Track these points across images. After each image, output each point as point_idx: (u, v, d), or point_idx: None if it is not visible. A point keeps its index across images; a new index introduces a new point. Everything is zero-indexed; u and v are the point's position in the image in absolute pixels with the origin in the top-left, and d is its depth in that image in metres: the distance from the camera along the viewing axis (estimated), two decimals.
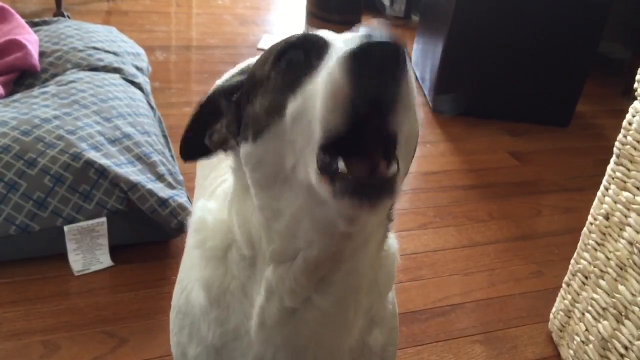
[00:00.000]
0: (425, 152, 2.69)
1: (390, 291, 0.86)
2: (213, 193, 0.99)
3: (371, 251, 0.72)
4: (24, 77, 2.17)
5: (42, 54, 2.28)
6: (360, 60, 0.51)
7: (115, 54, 2.44)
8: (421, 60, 3.41)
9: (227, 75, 1.35)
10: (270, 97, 0.63)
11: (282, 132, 0.60)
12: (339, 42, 0.61)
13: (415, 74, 3.42)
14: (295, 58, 0.63)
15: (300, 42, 0.65)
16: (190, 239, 0.83)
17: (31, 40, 2.27)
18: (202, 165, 1.24)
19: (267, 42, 3.70)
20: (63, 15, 3.28)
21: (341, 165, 0.53)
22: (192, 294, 0.83)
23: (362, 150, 0.55)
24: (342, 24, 4.28)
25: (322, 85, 0.54)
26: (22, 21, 2.43)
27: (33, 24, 2.56)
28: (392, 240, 0.82)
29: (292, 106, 0.59)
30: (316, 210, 0.61)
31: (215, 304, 0.78)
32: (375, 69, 0.51)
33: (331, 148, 0.54)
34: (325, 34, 0.66)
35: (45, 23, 2.64)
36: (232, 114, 0.74)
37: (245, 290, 0.75)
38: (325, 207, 0.58)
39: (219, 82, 1.42)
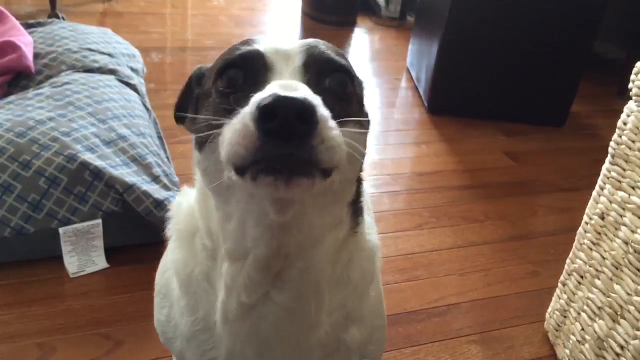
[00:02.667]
0: (420, 152, 2.69)
1: (373, 290, 0.88)
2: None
3: (327, 248, 0.74)
4: (18, 79, 2.17)
5: (36, 56, 2.27)
6: (267, 118, 0.53)
7: (110, 55, 2.43)
8: (416, 60, 3.42)
9: None
10: (210, 114, 0.67)
11: (217, 148, 0.63)
12: (272, 83, 0.62)
13: (411, 75, 3.44)
14: (234, 78, 0.67)
15: (240, 60, 0.68)
16: (169, 225, 0.88)
17: (25, 41, 2.26)
18: None
19: None
20: (57, 17, 3.26)
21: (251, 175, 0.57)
22: (169, 277, 0.88)
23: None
24: (338, 25, 4.28)
25: (236, 126, 0.57)
26: (17, 23, 2.42)
27: (27, 26, 2.55)
28: (372, 237, 0.86)
29: (225, 128, 0.61)
30: (254, 209, 0.66)
31: (184, 289, 0.82)
32: (282, 130, 0.53)
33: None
34: (268, 49, 0.69)
35: (40, 24, 2.63)
36: (193, 109, 0.79)
37: (209, 280, 0.79)
38: (260, 202, 0.63)
39: None
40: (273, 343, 0.77)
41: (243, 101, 0.60)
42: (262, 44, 0.69)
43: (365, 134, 0.72)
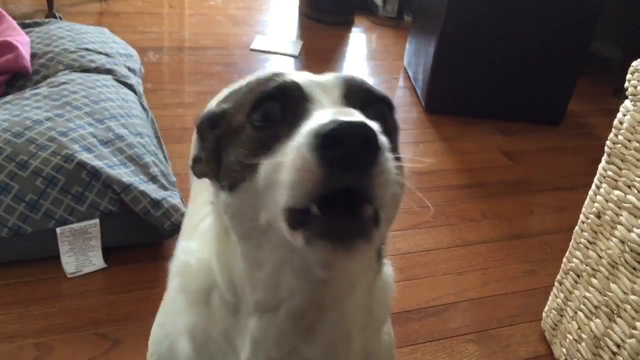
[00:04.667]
0: (418, 151, 2.69)
1: (387, 327, 0.84)
2: (195, 230, 0.93)
3: (358, 297, 0.69)
4: (15, 79, 2.17)
5: (33, 56, 2.27)
6: (329, 148, 0.48)
7: (107, 55, 2.43)
8: (414, 60, 3.42)
9: (214, 101, 1.33)
10: (245, 151, 0.61)
11: (255, 189, 0.58)
12: (317, 112, 0.57)
13: (408, 74, 3.44)
14: (271, 111, 0.61)
15: (277, 92, 0.62)
16: (173, 282, 0.80)
17: (22, 41, 2.26)
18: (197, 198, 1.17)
19: (260, 43, 3.70)
20: (55, 17, 3.27)
21: (314, 210, 0.51)
22: (179, 344, 0.79)
23: (341, 202, 0.52)
24: (335, 24, 4.28)
25: (289, 161, 0.52)
26: (14, 22, 2.42)
27: (24, 26, 2.55)
28: (387, 268, 0.80)
29: (264, 168, 0.57)
30: (295, 259, 0.60)
31: (200, 354, 0.75)
32: (346, 159, 0.49)
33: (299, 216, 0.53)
34: (304, 80, 0.63)
35: (37, 24, 2.63)
36: (212, 150, 0.70)
37: (229, 339, 0.72)
38: (303, 255, 0.56)
39: (210, 104, 1.40)
40: None
41: (283, 136, 0.56)
42: (295, 76, 0.64)
43: (403, 180, 0.65)
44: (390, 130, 0.65)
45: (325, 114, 0.53)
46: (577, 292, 1.52)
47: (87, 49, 2.38)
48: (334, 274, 0.60)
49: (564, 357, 1.57)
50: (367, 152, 0.49)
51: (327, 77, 0.65)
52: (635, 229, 1.27)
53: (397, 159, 0.63)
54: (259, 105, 0.62)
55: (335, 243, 0.51)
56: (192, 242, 0.82)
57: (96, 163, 1.70)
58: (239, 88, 0.74)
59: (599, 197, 1.42)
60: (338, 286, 0.64)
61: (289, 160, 0.52)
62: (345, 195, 0.50)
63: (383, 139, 0.51)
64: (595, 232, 1.44)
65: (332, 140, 0.48)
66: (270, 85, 0.63)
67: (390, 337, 0.87)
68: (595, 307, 1.43)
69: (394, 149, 0.63)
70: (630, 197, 1.30)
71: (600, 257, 1.41)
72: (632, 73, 1.32)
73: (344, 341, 0.70)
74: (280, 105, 0.61)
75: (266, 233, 0.60)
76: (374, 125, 0.50)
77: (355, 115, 0.52)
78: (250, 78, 0.71)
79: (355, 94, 0.63)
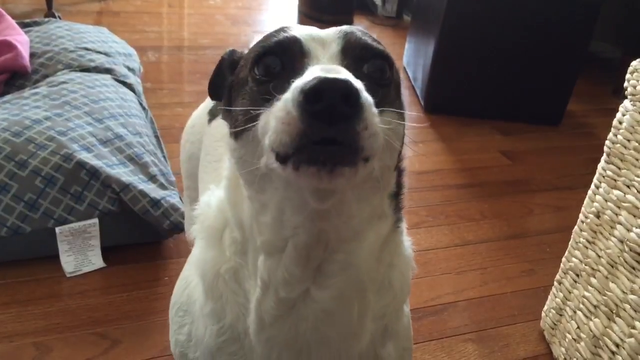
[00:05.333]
0: (417, 151, 2.69)
1: (406, 305, 0.85)
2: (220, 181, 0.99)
3: (370, 245, 0.70)
4: (14, 78, 2.17)
5: (32, 55, 2.27)
6: (312, 102, 0.52)
7: (106, 54, 2.43)
8: (413, 60, 3.42)
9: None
10: (247, 102, 0.65)
11: (255, 137, 0.62)
12: (311, 67, 0.60)
13: (407, 74, 3.44)
14: (272, 65, 0.65)
15: (277, 47, 0.66)
16: (195, 226, 0.83)
17: (22, 41, 2.26)
18: (204, 178, 1.22)
19: None
20: (54, 16, 3.27)
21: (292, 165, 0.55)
22: (193, 287, 0.83)
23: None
24: (334, 24, 4.27)
25: (276, 112, 0.56)
26: (13, 22, 2.42)
27: (24, 25, 2.55)
28: (408, 244, 0.82)
29: (262, 118, 0.60)
30: (294, 197, 0.63)
31: (210, 292, 0.77)
32: (327, 113, 0.52)
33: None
34: (304, 35, 0.67)
35: (36, 24, 2.63)
36: (226, 97, 0.76)
37: (238, 279, 0.75)
38: (299, 191, 0.61)
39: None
40: (313, 349, 0.72)
41: (281, 88, 0.59)
42: (298, 31, 0.67)
43: (403, 124, 0.70)
44: (389, 83, 0.68)
45: (313, 71, 0.56)
46: (576, 292, 1.52)
47: (86, 49, 2.38)
48: (327, 205, 0.61)
49: (563, 357, 1.57)
50: (347, 107, 0.52)
51: (328, 32, 0.68)
52: (634, 229, 1.27)
53: (401, 113, 0.68)
54: (260, 59, 0.66)
55: (320, 167, 0.54)
56: (219, 189, 0.85)
57: (95, 162, 1.70)
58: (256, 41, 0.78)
59: (598, 197, 1.43)
60: (338, 222, 0.65)
61: (276, 112, 0.56)
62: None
63: (366, 96, 0.54)
64: (595, 232, 1.44)
65: (313, 95, 0.51)
66: (271, 40, 0.67)
67: (409, 323, 0.89)
68: (595, 306, 1.43)
69: (393, 102, 0.68)
70: (629, 197, 1.30)
71: (599, 256, 1.41)
72: (632, 73, 1.32)
73: (355, 289, 0.70)
74: (280, 59, 0.65)
75: (267, 176, 0.63)
76: (357, 83, 0.53)
77: (341, 73, 0.55)
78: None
79: (353, 49, 0.66)
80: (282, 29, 0.69)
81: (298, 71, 0.61)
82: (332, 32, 0.68)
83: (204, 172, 1.20)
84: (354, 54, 0.66)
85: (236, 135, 0.67)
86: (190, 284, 0.85)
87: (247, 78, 0.68)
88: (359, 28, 0.71)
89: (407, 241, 0.83)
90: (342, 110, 0.52)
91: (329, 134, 0.52)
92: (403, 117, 0.70)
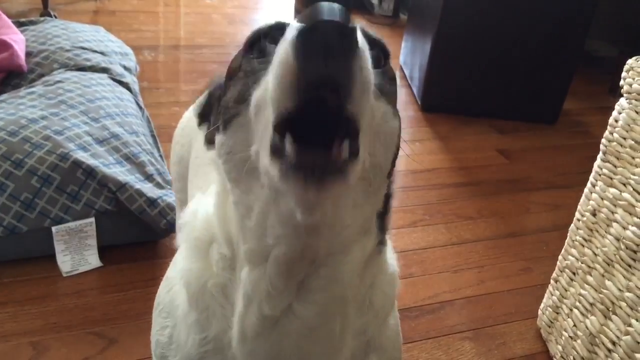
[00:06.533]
0: (414, 150, 2.70)
1: (392, 318, 0.83)
2: (209, 190, 0.94)
3: (354, 260, 0.68)
4: (10, 78, 2.16)
5: (28, 54, 2.27)
6: (307, 38, 0.49)
7: (102, 53, 2.43)
8: (410, 58, 3.42)
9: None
10: (239, 86, 0.63)
11: (247, 120, 0.60)
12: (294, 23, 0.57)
13: (404, 72, 3.44)
14: (265, 46, 0.63)
15: (270, 29, 0.64)
16: (181, 234, 0.81)
17: (17, 40, 2.25)
18: (194, 182, 1.19)
19: None
20: (50, 15, 3.26)
21: (289, 146, 0.51)
22: (176, 292, 0.81)
23: (320, 137, 0.52)
24: None
25: (272, 66, 0.53)
26: (9, 21, 2.41)
27: (19, 24, 2.54)
28: (392, 262, 0.79)
29: (255, 94, 0.58)
30: (280, 202, 0.59)
31: (194, 303, 0.75)
32: (322, 47, 0.49)
33: (285, 130, 0.52)
34: (300, 19, 0.64)
35: (32, 23, 2.62)
36: (215, 109, 0.74)
37: (226, 294, 0.72)
38: (286, 197, 0.56)
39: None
40: None
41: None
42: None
43: (398, 119, 0.67)
44: (385, 72, 0.65)
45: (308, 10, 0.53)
46: (572, 290, 1.52)
47: (82, 48, 2.38)
48: (315, 218, 0.56)
49: (559, 355, 1.57)
50: (343, 41, 0.49)
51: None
52: (630, 227, 1.28)
53: (396, 109, 0.65)
54: (254, 43, 0.64)
55: (307, 177, 0.51)
56: (206, 196, 0.82)
57: (92, 162, 1.70)
58: None
59: (594, 195, 1.43)
60: (325, 237, 0.62)
61: (272, 66, 0.53)
62: (322, 128, 0.51)
63: (362, 38, 0.51)
64: (591, 230, 1.44)
65: (308, 31, 0.49)
66: (265, 25, 0.65)
67: (397, 336, 0.86)
68: (591, 304, 1.43)
69: (388, 94, 0.64)
70: (625, 195, 1.31)
71: (595, 254, 1.42)
72: (627, 71, 1.32)
73: (338, 305, 0.68)
74: (274, 42, 0.60)
75: (255, 171, 0.60)
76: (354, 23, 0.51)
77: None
78: None
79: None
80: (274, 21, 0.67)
81: None
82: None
83: (194, 176, 1.18)
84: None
85: (225, 124, 0.64)
86: (173, 287, 0.83)
87: (239, 65, 0.65)
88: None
89: (392, 259, 0.80)
90: (338, 43, 0.49)
91: (325, 71, 0.49)
92: (398, 114, 0.67)
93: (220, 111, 0.68)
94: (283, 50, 0.51)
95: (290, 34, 0.51)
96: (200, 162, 1.14)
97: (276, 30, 0.62)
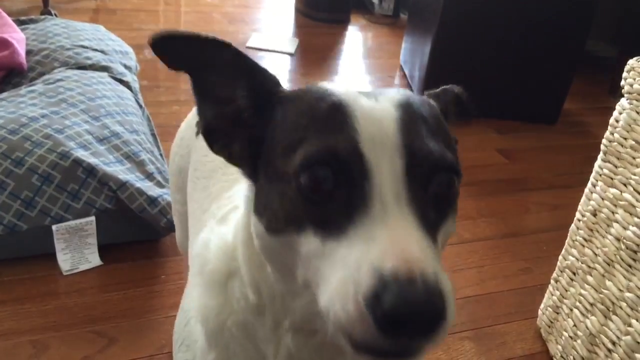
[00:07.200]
0: None
1: None
2: (224, 219, 0.84)
3: None
4: (10, 76, 2.16)
5: (29, 53, 2.27)
6: (390, 321, 0.46)
7: (103, 52, 2.42)
8: (410, 58, 3.42)
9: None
10: (289, 207, 0.56)
11: (296, 251, 0.56)
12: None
13: (404, 72, 3.43)
14: (322, 177, 0.54)
15: (333, 161, 0.54)
16: (194, 266, 0.77)
17: (18, 38, 2.25)
18: (193, 196, 1.12)
19: (256, 40, 3.70)
20: (50, 14, 3.25)
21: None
22: (193, 324, 0.77)
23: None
24: (331, 22, 4.28)
25: (342, 294, 0.49)
26: (9, 19, 2.41)
27: (20, 22, 2.54)
28: None
29: (310, 250, 0.54)
30: (334, 336, 0.54)
31: (213, 342, 0.71)
32: (408, 330, 0.47)
33: None
34: (366, 140, 0.55)
35: (32, 21, 2.62)
36: (246, 137, 0.64)
37: (249, 333, 0.69)
38: (341, 340, 0.53)
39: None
40: None
41: (335, 212, 0.53)
42: (357, 126, 0.55)
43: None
44: (454, 196, 0.61)
45: (384, 249, 0.49)
46: (572, 290, 1.52)
47: (82, 46, 2.38)
48: None
49: (559, 355, 1.57)
50: (431, 323, 0.47)
51: (391, 133, 0.56)
52: (630, 227, 1.28)
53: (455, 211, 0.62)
54: (308, 167, 0.55)
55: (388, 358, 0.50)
56: (222, 227, 0.78)
57: (92, 160, 1.70)
58: (296, 97, 0.63)
59: (594, 195, 1.43)
60: None
61: (342, 293, 0.49)
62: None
63: (451, 301, 0.48)
64: (591, 230, 1.44)
65: (393, 315, 0.46)
66: (326, 145, 0.55)
67: None
68: (591, 304, 1.43)
69: (454, 209, 0.61)
70: (625, 195, 1.31)
71: (596, 254, 1.42)
72: (628, 71, 1.32)
73: None
74: (333, 175, 0.54)
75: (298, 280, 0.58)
76: (445, 283, 0.48)
77: (421, 258, 0.49)
78: (309, 90, 0.62)
79: (420, 163, 0.56)
80: (335, 107, 0.57)
81: (357, 196, 0.53)
82: (395, 134, 0.56)
83: (193, 190, 1.12)
84: (421, 172, 0.56)
85: (269, 229, 0.59)
86: (190, 320, 0.79)
87: (288, 176, 0.56)
88: (423, 110, 0.61)
89: None
90: (426, 325, 0.47)
91: (403, 343, 0.48)
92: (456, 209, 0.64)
93: (262, 200, 0.61)
94: (358, 309, 0.48)
95: (368, 300, 0.47)
96: (200, 174, 1.07)
97: (337, 163, 0.54)
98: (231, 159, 0.65)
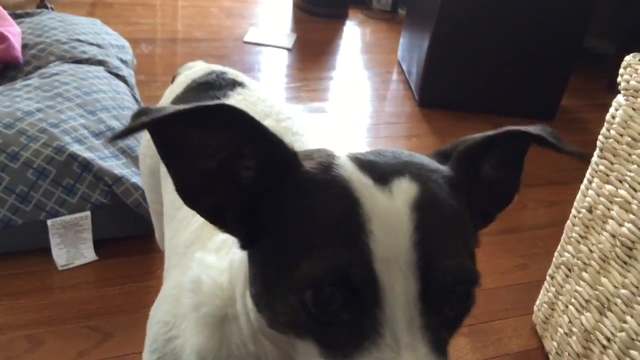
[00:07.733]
0: (411, 146, 2.69)
1: None
2: (210, 240, 0.82)
3: None
4: (6, 70, 2.15)
5: (25, 46, 2.26)
6: None
7: (99, 46, 2.41)
8: (408, 54, 3.41)
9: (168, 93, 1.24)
10: (292, 314, 0.53)
11: (297, 352, 0.56)
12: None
13: (402, 68, 3.43)
14: (330, 299, 0.51)
15: (340, 282, 0.51)
16: (185, 298, 0.73)
17: (13, 32, 2.24)
18: (166, 195, 1.09)
19: (253, 35, 3.69)
20: (46, 7, 3.24)
21: None
22: (180, 346, 0.74)
23: None
24: (329, 17, 4.27)
25: None
26: (5, 13, 2.39)
27: (16, 16, 2.53)
28: None
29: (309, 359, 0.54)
30: None
31: None
32: None
33: None
34: (380, 259, 0.51)
35: (28, 15, 2.61)
36: (237, 196, 0.58)
37: None
38: None
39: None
40: None
41: (339, 333, 0.51)
42: (372, 237, 0.51)
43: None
44: (468, 309, 0.58)
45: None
46: (568, 286, 1.52)
47: (79, 40, 2.37)
48: None
49: (554, 351, 1.58)
50: None
51: (405, 248, 0.51)
52: (626, 223, 1.28)
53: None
54: (315, 287, 0.51)
55: None
56: (210, 255, 0.75)
57: (88, 155, 1.69)
58: (311, 181, 0.56)
59: (590, 192, 1.43)
60: None
61: None
62: None
63: None
64: (587, 227, 1.44)
65: None
66: (334, 263, 0.50)
67: None
68: (586, 301, 1.43)
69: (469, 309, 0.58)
70: (621, 192, 1.31)
71: (591, 251, 1.42)
72: (625, 68, 1.32)
73: None
74: (341, 294, 0.51)
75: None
76: None
77: None
78: (318, 154, 0.58)
79: (437, 283, 0.52)
80: (350, 210, 0.52)
81: (366, 318, 0.51)
82: (409, 249, 0.52)
83: (165, 192, 1.10)
84: (437, 294, 0.53)
85: (268, 320, 0.57)
86: (176, 340, 0.75)
87: (291, 281, 0.53)
88: (439, 204, 0.57)
89: None
90: None
91: None
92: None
93: (266, 305, 0.57)
94: None
95: None
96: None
97: (346, 285, 0.51)
98: (221, 226, 0.60)
